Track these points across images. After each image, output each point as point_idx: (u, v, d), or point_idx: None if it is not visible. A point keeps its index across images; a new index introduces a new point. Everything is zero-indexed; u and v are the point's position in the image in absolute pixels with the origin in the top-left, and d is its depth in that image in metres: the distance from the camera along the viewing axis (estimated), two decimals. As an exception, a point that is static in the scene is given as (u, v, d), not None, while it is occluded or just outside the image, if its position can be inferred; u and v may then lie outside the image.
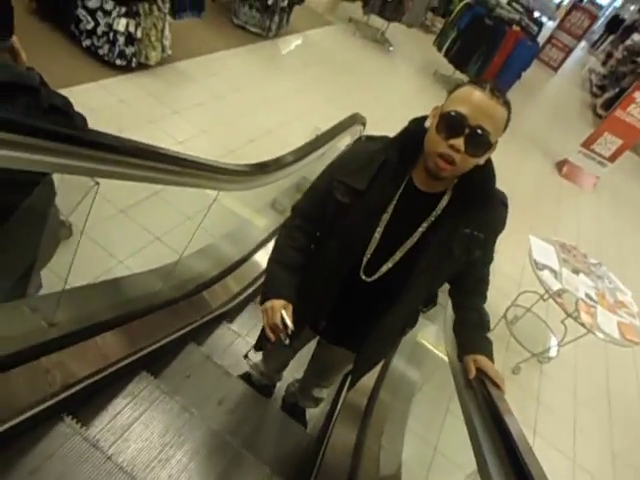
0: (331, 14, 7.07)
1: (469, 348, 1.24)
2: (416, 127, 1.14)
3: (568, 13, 10.74)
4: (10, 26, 1.61)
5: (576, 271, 3.02)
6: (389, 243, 1.18)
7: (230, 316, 2.41)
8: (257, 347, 1.60)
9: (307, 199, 1.34)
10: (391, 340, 1.52)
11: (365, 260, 1.20)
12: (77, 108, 1.40)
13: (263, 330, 1.35)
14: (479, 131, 1.00)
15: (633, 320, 2.85)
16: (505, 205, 1.19)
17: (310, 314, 1.36)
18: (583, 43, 15.83)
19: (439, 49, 6.69)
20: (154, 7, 3.57)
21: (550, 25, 12.89)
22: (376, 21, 6.99)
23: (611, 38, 16.65)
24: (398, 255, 1.18)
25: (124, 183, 1.33)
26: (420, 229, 1.15)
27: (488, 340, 1.27)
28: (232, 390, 1.92)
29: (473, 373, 1.17)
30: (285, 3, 5.23)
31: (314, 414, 2.20)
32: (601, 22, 18.60)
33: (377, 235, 1.17)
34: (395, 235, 1.18)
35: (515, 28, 6.14)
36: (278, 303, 1.24)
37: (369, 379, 2.16)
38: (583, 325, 2.71)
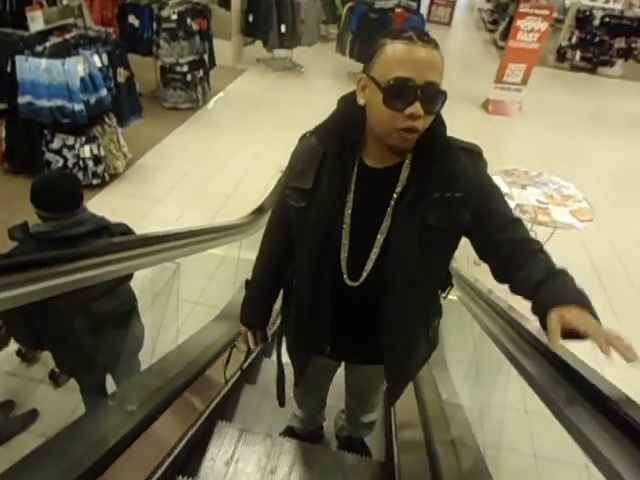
0: (240, 62, 7.73)
1: (545, 307, 0.80)
2: (349, 106, 1.03)
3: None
4: None
5: (524, 187, 3.62)
6: (363, 238, 1.05)
7: (250, 377, 2.39)
8: (281, 404, 1.54)
9: (272, 218, 1.31)
10: (414, 340, 1.22)
11: (344, 264, 1.08)
12: None
13: (279, 383, 1.48)
14: (430, 87, 0.90)
15: (581, 205, 3.45)
16: (477, 152, 1.05)
17: (310, 339, 1.25)
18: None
19: (342, 53, 7.39)
20: (105, 126, 4.14)
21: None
22: (280, 52, 7.67)
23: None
24: (377, 248, 1.05)
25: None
26: (389, 210, 1.02)
27: (571, 283, 0.88)
28: (279, 453, 1.77)
29: (557, 337, 0.74)
30: (201, 73, 5.86)
31: (375, 436, 2.05)
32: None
33: (345, 232, 1.05)
34: (366, 227, 1.05)
35: (398, 11, 6.87)
36: (245, 329, 1.43)
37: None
38: (545, 224, 3.30)
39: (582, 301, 0.80)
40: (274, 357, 1.47)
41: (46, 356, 2.68)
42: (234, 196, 4.40)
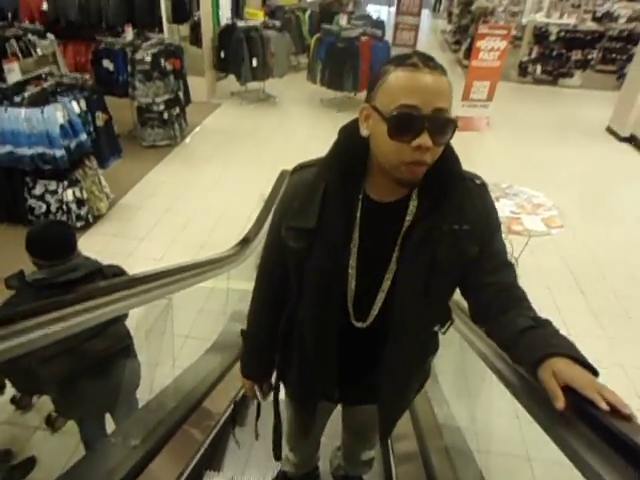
0: (214, 97, 7.91)
1: (534, 354, 0.81)
2: (349, 136, 0.98)
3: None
4: None
5: (496, 199, 3.78)
6: (370, 277, 1.00)
7: (239, 420, 2.22)
8: (277, 457, 1.47)
9: (264, 262, 1.20)
10: (413, 377, 1.20)
11: (350, 305, 1.03)
12: None
13: (275, 433, 1.40)
14: (438, 115, 0.84)
15: (551, 212, 3.62)
16: (482, 183, 1.00)
17: (318, 386, 1.19)
18: (426, 11, 17.56)
19: (313, 82, 7.63)
20: (86, 169, 4.21)
21: (392, 10, 14.37)
22: (254, 84, 7.87)
23: (445, -3, 18.57)
24: (386, 286, 1.00)
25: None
26: (397, 248, 0.97)
27: (559, 335, 0.85)
28: None
29: (560, 399, 0.72)
30: (177, 110, 6.00)
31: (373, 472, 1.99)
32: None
33: (351, 271, 1.00)
34: (373, 265, 0.99)
35: (364, 39, 7.16)
36: (251, 383, 1.34)
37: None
38: (519, 233, 3.45)
39: (572, 352, 0.77)
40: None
41: (41, 402, 2.69)
42: (217, 229, 4.48)
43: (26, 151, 3.74)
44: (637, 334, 3.56)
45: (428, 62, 0.85)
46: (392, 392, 1.16)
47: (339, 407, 1.47)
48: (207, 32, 7.36)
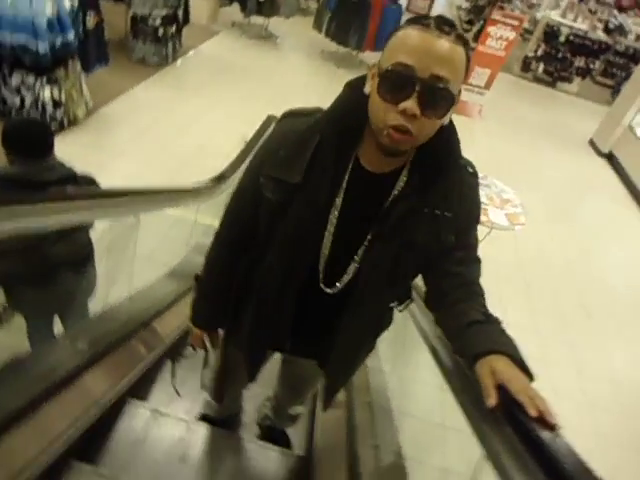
0: (214, 23, 7.58)
1: (477, 347, 0.82)
2: (353, 93, 0.92)
3: (422, -37, 11.71)
4: None
5: (469, 186, 3.89)
6: (346, 246, 0.97)
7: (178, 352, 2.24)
8: (219, 400, 1.51)
9: (234, 204, 1.13)
10: (363, 348, 1.23)
11: (322, 268, 1.00)
12: None
13: (219, 379, 1.40)
14: (435, 83, 0.77)
15: (516, 209, 3.78)
16: (473, 174, 0.97)
17: (268, 339, 1.18)
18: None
19: (319, 30, 7.41)
20: (69, 70, 4.03)
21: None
22: (257, 19, 7.58)
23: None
24: (359, 257, 0.97)
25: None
26: (376, 223, 0.94)
27: (506, 334, 0.86)
28: (193, 439, 1.66)
29: (493, 397, 0.73)
30: (173, 29, 5.74)
31: (298, 428, 2.00)
32: (456, -42, 19.90)
33: (329, 235, 0.96)
34: (350, 235, 0.96)
35: (378, -4, 6.95)
36: (200, 332, 1.28)
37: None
38: (482, 223, 3.59)
39: (514, 353, 0.78)
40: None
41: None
42: (194, 159, 4.43)
43: (7, 37, 3.54)
44: (567, 337, 3.85)
45: (443, 26, 0.77)
46: (342, 360, 1.16)
47: (277, 358, 1.44)
48: (218, -48, 6.97)
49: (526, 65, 9.94)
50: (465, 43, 0.80)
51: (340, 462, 1.67)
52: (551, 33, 9.51)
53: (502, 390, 0.73)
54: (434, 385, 2.68)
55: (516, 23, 6.55)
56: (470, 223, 0.99)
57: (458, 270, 0.97)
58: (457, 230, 0.94)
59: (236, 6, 7.39)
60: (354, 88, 0.92)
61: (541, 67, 9.84)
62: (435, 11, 12.55)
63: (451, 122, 0.90)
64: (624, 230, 5.70)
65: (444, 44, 0.77)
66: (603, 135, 7.41)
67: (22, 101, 3.91)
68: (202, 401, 1.83)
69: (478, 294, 0.96)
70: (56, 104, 3.97)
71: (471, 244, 1.00)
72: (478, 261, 1.01)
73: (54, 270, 1.99)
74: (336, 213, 0.94)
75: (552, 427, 0.67)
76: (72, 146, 4.07)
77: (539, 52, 9.75)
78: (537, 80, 10.03)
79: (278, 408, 1.76)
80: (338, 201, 0.94)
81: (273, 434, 1.86)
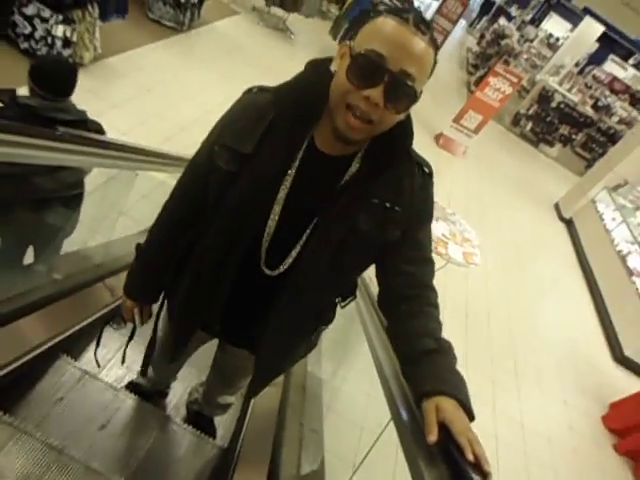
0: (235, 3, 7.67)
1: (427, 384, 0.83)
2: (316, 72, 0.92)
3: (444, 0, 12.14)
4: None
5: (436, 219, 4.18)
6: (291, 227, 0.95)
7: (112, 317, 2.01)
8: (144, 372, 1.52)
9: (186, 175, 1.12)
10: (297, 342, 1.19)
11: (264, 248, 0.97)
12: None
13: (148, 350, 1.37)
14: (403, 78, 0.79)
15: (473, 250, 4.08)
16: (429, 173, 0.97)
17: (199, 316, 1.14)
18: (462, 22, 17.64)
19: (334, 38, 7.63)
20: (86, 13, 4.08)
21: (434, 5, 14.35)
22: (278, 10, 7.71)
23: (485, 18, 18.74)
24: (303, 241, 0.96)
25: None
26: (324, 206, 0.93)
27: (455, 371, 0.86)
28: (118, 407, 1.62)
29: (434, 434, 0.74)
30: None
31: (224, 419, 1.98)
32: (477, 2, 20.69)
33: (275, 215, 0.94)
34: (297, 215, 0.94)
35: (396, 21, 7.23)
36: (132, 304, 1.25)
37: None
38: (440, 255, 3.87)
39: (459, 394, 0.80)
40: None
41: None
42: (188, 129, 4.53)
43: (34, -33, 3.58)
44: (491, 373, 4.17)
45: (421, 25, 0.80)
46: (272, 350, 1.12)
47: (215, 344, 1.44)
48: (256, -64, 7.08)
49: (516, 120, 10.49)
50: (436, 47, 0.83)
51: (263, 463, 1.63)
52: (545, 97, 10.08)
53: (444, 429, 0.74)
54: (362, 391, 2.91)
55: (515, 80, 6.96)
56: (421, 222, 0.99)
57: (410, 269, 0.96)
58: (406, 226, 0.94)
59: (260, -8, 7.53)
60: (316, 67, 0.93)
61: (529, 125, 10.41)
62: (445, 46, 12.99)
63: (409, 117, 0.91)
64: (565, 292, 6.16)
65: (419, 42, 0.79)
66: (568, 202, 7.93)
67: (33, 31, 3.92)
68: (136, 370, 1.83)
69: (432, 304, 0.96)
70: (66, 43, 4.00)
71: (422, 244, 0.99)
72: (431, 262, 1.01)
73: (39, 203, 2.09)
74: (285, 189, 0.93)
75: (485, 474, 0.68)
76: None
77: (530, 111, 10.31)
78: (523, 136, 10.59)
79: (208, 395, 1.76)
80: (288, 179, 0.92)
81: (199, 420, 1.84)
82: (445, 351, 0.89)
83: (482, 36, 15.16)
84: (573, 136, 10.51)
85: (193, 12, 5.95)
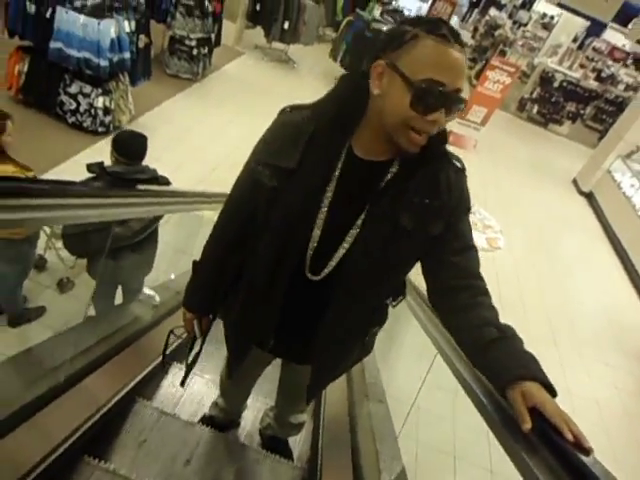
0: (239, 44, 8.26)
1: (505, 373, 0.82)
2: (350, 86, 0.98)
3: (433, 3, 12.54)
4: None
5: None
6: (335, 231, 0.99)
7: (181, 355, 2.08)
8: (182, 383, 1.47)
9: (232, 196, 1.18)
10: (351, 345, 1.21)
11: (310, 254, 1.01)
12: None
13: (192, 362, 1.38)
14: (457, 94, 0.88)
15: (496, 235, 4.41)
16: (461, 169, 1.02)
17: (254, 331, 1.18)
18: (455, 18, 17.94)
19: (334, 60, 8.11)
20: (119, 82, 4.65)
21: (424, 7, 14.68)
22: (278, 44, 8.26)
23: (476, 11, 19.02)
24: (347, 244, 0.99)
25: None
26: (367, 207, 0.97)
27: (526, 351, 0.87)
28: (197, 442, 1.70)
29: (528, 422, 0.74)
30: (206, 50, 6.40)
31: (299, 438, 2.02)
32: (466, -3, 20.93)
33: (320, 221, 0.98)
34: (340, 220, 0.98)
35: (390, 35, 7.66)
36: (191, 316, 1.30)
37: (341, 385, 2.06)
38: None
39: (540, 374, 0.80)
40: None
41: (52, 267, 3.25)
42: (218, 168, 5.03)
43: (74, 53, 4.16)
44: (531, 349, 4.43)
45: (458, 37, 0.86)
46: (327, 353, 1.14)
47: (278, 368, 1.48)
48: (250, -18, 7.67)
49: (522, 105, 10.72)
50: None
51: (347, 476, 1.67)
52: (546, 78, 10.31)
53: (535, 413, 0.74)
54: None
55: (512, 70, 7.27)
56: (460, 213, 1.01)
57: (456, 260, 0.98)
58: (447, 220, 0.97)
59: (258, 29, 8.08)
60: (349, 82, 1.00)
61: (535, 108, 10.63)
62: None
63: None
64: (595, 263, 6.34)
65: (462, 57, 0.86)
66: (585, 176, 8.11)
67: (78, 106, 4.51)
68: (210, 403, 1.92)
69: (483, 293, 0.97)
70: (106, 111, 4.57)
71: (464, 233, 1.02)
72: (474, 248, 1.03)
73: (116, 249, 2.55)
74: (329, 197, 0.97)
75: (587, 451, 0.69)
76: (116, 148, 4.68)
77: (534, 94, 10.54)
78: (531, 120, 10.80)
79: (279, 417, 1.79)
80: (330, 187, 0.97)
81: (275, 444, 1.88)
82: (509, 335, 0.89)
83: (475, 29, 15.47)
84: (581, 111, 10.67)
85: (204, 62, 6.53)
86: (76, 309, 3.07)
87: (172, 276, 3.28)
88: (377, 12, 8.03)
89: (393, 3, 9.64)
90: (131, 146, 2.27)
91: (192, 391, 2.08)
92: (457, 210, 1.00)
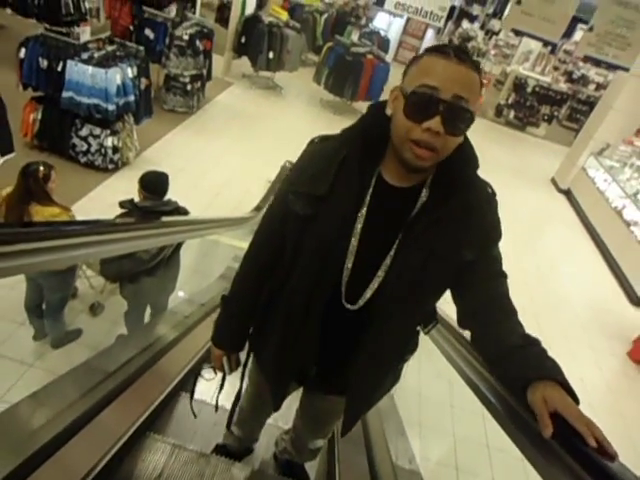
0: (228, 74, 8.76)
1: (525, 374, 0.83)
2: (375, 114, 0.99)
3: (408, 19, 13.19)
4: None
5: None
6: (369, 259, 0.98)
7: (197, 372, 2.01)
8: (228, 425, 1.50)
9: (263, 226, 1.19)
10: (386, 374, 1.20)
11: (344, 283, 1.00)
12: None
13: (234, 403, 1.39)
14: (457, 102, 0.84)
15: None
16: (492, 194, 1.03)
17: (295, 364, 1.16)
18: (430, 32, 18.65)
19: (318, 84, 8.62)
20: (125, 123, 5.08)
21: (399, 22, 15.28)
22: (265, 72, 8.77)
23: (449, 23, 19.75)
24: (382, 272, 0.98)
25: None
26: (401, 234, 0.96)
27: (549, 357, 0.87)
28: (214, 473, 1.69)
29: (549, 426, 0.73)
30: (199, 84, 6.87)
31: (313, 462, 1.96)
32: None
33: (352, 249, 0.97)
34: (374, 247, 0.97)
35: (369, 57, 8.20)
36: (220, 352, 1.29)
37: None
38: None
39: (562, 378, 0.79)
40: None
41: (82, 294, 3.64)
42: (221, 194, 5.45)
43: (85, 100, 4.60)
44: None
45: (461, 54, 0.87)
46: (363, 383, 1.13)
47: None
48: (234, 18, 8.20)
49: (499, 111, 11.27)
50: (479, 70, 0.89)
51: None
52: (519, 85, 10.88)
53: (557, 418, 0.73)
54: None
55: (484, 82, 7.79)
56: (492, 239, 1.02)
57: (486, 285, 1.00)
58: (479, 245, 0.98)
59: (244, 58, 8.60)
60: (376, 109, 1.01)
61: (512, 113, 11.18)
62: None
63: (466, 138, 0.96)
64: (576, 255, 6.78)
65: (463, 69, 0.85)
66: (562, 174, 8.61)
67: (89, 147, 4.93)
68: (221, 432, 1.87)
69: (511, 311, 0.98)
70: (115, 149, 5.00)
71: (495, 259, 1.03)
72: (504, 276, 1.04)
73: (136, 273, 2.92)
74: (360, 225, 0.97)
75: (612, 457, 0.68)
76: (127, 182, 5.08)
77: (510, 100, 11.10)
78: (509, 124, 11.35)
79: (298, 442, 1.71)
80: (362, 214, 0.97)
81: (292, 469, 1.81)
82: (534, 343, 0.90)
83: (450, 41, 16.11)
84: (555, 113, 11.23)
85: (198, 95, 7.00)
86: (107, 329, 3.47)
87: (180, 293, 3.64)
88: (355, 36, 8.56)
89: (370, 25, 10.18)
90: (156, 184, 2.69)
91: (208, 417, 1.99)
92: (490, 237, 1.02)
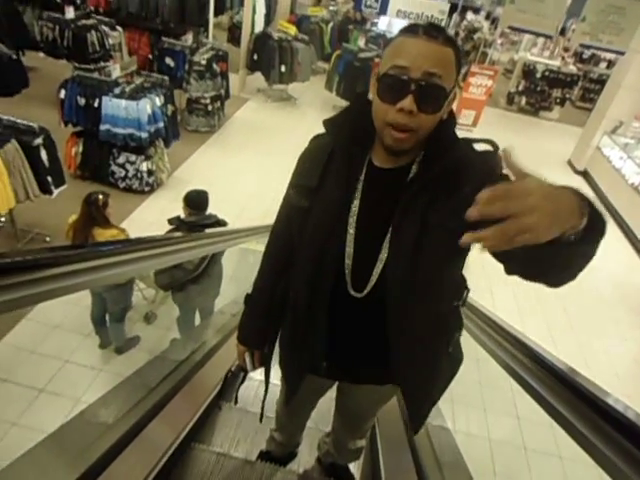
0: (244, 91, 9.19)
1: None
2: (359, 102, 1.01)
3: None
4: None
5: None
6: (369, 244, 0.97)
7: (229, 395, 2.07)
8: (260, 419, 1.49)
9: (276, 224, 1.23)
10: (432, 357, 1.11)
11: (348, 272, 1.00)
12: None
13: (263, 398, 1.39)
14: (427, 79, 0.84)
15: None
16: (494, 148, 0.91)
17: (304, 355, 1.16)
18: (436, 26, 18.75)
19: (330, 91, 8.96)
20: (157, 147, 5.53)
21: (402, 22, 15.57)
22: (278, 85, 9.16)
23: (454, 16, 19.82)
24: (384, 254, 0.96)
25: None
26: (396, 213, 0.94)
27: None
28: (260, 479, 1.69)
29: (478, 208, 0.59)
30: (219, 104, 7.30)
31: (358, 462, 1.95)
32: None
33: (350, 237, 0.98)
34: (372, 232, 0.97)
35: (377, 60, 8.49)
36: (243, 349, 1.33)
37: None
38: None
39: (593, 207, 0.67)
40: (254, 373, 1.41)
41: (135, 305, 4.04)
42: (249, 204, 5.84)
43: (120, 131, 5.05)
44: (547, 328, 5.02)
45: (431, 31, 0.85)
46: (409, 372, 1.10)
47: (332, 393, 1.45)
48: (245, 37, 8.63)
49: (510, 99, 11.39)
50: (454, 44, 0.88)
51: None
52: (528, 71, 10.98)
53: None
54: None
55: (492, 73, 8.00)
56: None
57: None
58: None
59: (258, 74, 9.01)
60: (362, 99, 1.02)
61: (524, 100, 11.29)
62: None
63: (451, 113, 0.96)
64: (596, 234, 6.89)
65: (433, 45, 0.85)
66: (578, 156, 8.71)
67: (126, 173, 5.39)
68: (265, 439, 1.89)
69: None
70: (150, 173, 5.45)
71: None
72: None
73: (188, 280, 3.28)
74: (356, 210, 0.98)
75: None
76: (162, 201, 5.53)
77: (520, 87, 11.21)
78: (521, 111, 11.44)
79: (338, 443, 1.71)
80: (355, 198, 0.98)
81: (336, 470, 1.81)
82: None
83: (456, 34, 16.22)
84: (567, 95, 11.27)
85: (219, 114, 7.43)
86: (161, 335, 3.88)
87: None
88: (362, 42, 8.86)
89: (374, 29, 10.47)
90: (198, 201, 3.07)
91: (251, 424, 2.05)
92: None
